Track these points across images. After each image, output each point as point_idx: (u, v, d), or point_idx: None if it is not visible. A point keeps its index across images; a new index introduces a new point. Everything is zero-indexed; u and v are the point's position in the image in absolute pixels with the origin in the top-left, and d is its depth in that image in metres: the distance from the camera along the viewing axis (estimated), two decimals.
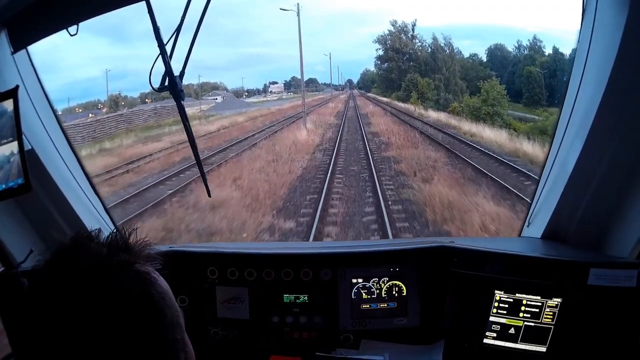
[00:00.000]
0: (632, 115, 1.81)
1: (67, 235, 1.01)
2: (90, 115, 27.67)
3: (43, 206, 2.11)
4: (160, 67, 1.84)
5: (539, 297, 2.02)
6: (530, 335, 2.06)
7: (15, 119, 1.58)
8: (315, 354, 2.12)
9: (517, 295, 2.05)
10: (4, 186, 1.60)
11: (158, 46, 1.79)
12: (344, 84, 48.09)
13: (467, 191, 11.09)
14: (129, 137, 23.60)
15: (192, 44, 1.87)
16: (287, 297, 2.23)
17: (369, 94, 41.19)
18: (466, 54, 33.33)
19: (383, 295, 2.22)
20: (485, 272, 2.08)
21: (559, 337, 2.02)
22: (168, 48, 1.82)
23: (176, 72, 1.87)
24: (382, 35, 34.69)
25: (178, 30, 1.80)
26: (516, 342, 2.07)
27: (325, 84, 47.41)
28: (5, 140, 1.60)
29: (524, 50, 30.39)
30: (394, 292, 2.21)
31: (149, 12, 1.77)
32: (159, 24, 1.79)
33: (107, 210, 2.49)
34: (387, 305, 2.22)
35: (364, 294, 2.22)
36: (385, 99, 35.21)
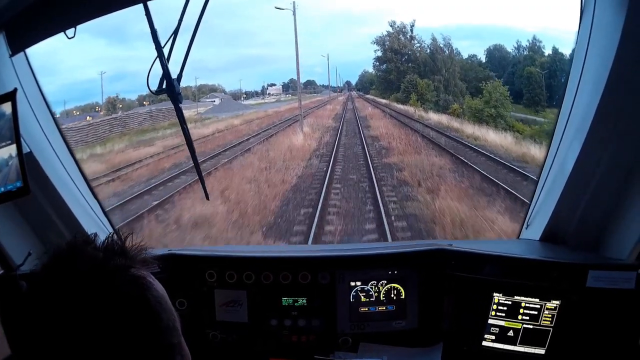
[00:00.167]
0: (630, 117, 1.81)
1: (66, 238, 1.01)
2: (88, 117, 27.49)
3: (41, 209, 2.11)
4: (158, 69, 1.85)
5: (537, 300, 2.02)
6: (529, 337, 2.06)
7: (14, 122, 1.58)
8: (314, 357, 2.12)
9: (515, 297, 2.05)
10: (2, 189, 1.59)
11: (155, 49, 1.80)
12: (342, 85, 48.07)
13: (479, 204, 10.24)
14: (122, 141, 23.04)
15: (189, 46, 1.87)
16: (286, 300, 2.23)
17: (368, 96, 41.10)
18: (465, 55, 33.31)
19: (381, 298, 2.21)
20: (483, 274, 2.09)
21: (558, 339, 2.02)
22: (166, 50, 1.82)
23: (174, 75, 1.87)
24: (380, 36, 34.63)
25: (176, 32, 1.80)
26: (515, 345, 2.08)
27: (323, 85, 47.44)
28: (3, 143, 1.59)
29: (523, 51, 30.37)
30: (392, 295, 2.21)
31: (146, 15, 1.77)
32: (157, 24, 1.79)
33: (105, 213, 2.49)
34: (386, 308, 2.22)
35: (362, 297, 2.22)
36: (384, 101, 35.05)
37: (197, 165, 2.22)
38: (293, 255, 2.42)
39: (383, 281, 2.21)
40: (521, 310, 2.05)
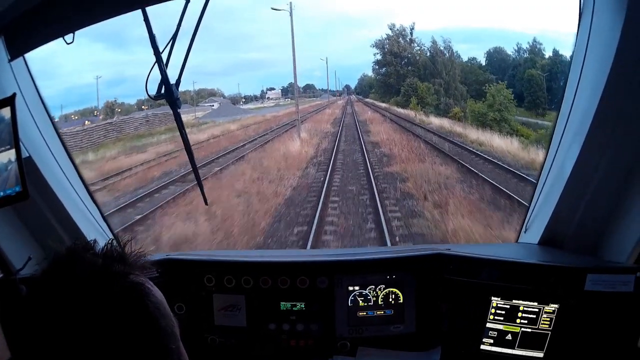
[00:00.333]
0: (629, 120, 1.81)
1: (65, 242, 1.02)
2: (86, 122, 27.37)
3: (41, 214, 2.11)
4: (157, 74, 1.86)
5: (535, 303, 2.02)
6: (528, 341, 2.06)
7: (13, 127, 1.59)
8: None
9: (513, 301, 2.05)
10: (1, 194, 1.60)
11: (154, 54, 1.81)
12: (341, 89, 48.10)
13: (493, 221, 9.18)
14: (116, 147, 22.57)
15: (188, 51, 1.88)
16: (284, 305, 2.23)
17: (367, 100, 41.11)
18: (465, 58, 33.34)
19: (379, 303, 2.22)
20: (481, 279, 2.09)
21: (556, 343, 2.01)
22: (164, 55, 1.83)
23: (172, 80, 1.88)
24: (380, 40, 34.70)
25: (174, 38, 1.81)
26: (513, 348, 2.07)
27: (322, 89, 47.47)
28: (2, 148, 1.60)
29: (523, 53, 30.40)
30: (390, 300, 2.21)
31: (144, 21, 1.78)
32: (156, 29, 1.80)
33: (104, 218, 2.49)
34: (384, 312, 2.22)
35: (360, 302, 2.22)
36: (383, 105, 34.97)
37: (195, 170, 2.22)
38: (291, 260, 2.42)
39: (381, 285, 2.21)
40: (519, 314, 2.05)
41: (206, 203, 2.33)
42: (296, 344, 2.23)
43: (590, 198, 2.00)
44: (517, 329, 2.06)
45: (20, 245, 2.04)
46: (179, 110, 1.96)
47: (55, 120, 2.36)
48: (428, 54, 33.30)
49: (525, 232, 2.39)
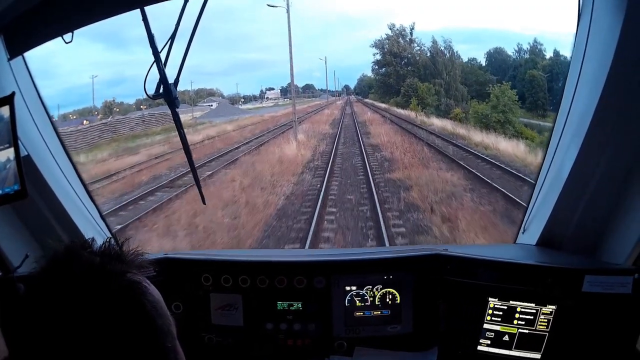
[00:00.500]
0: (628, 120, 1.81)
1: (63, 241, 1.03)
2: (85, 121, 27.20)
3: (39, 212, 2.12)
4: (155, 74, 1.86)
5: (533, 304, 2.02)
6: (525, 342, 2.06)
7: (12, 126, 1.59)
8: None
9: (511, 302, 2.05)
10: (0, 192, 1.60)
11: (153, 54, 1.81)
12: (340, 89, 48.05)
13: (509, 239, 6.15)
14: (109, 148, 21.90)
15: (186, 51, 1.88)
16: (281, 305, 2.24)
17: (367, 100, 40.95)
18: (464, 59, 33.26)
19: (377, 303, 2.22)
20: (478, 279, 2.09)
21: (554, 344, 2.02)
22: (163, 55, 1.83)
23: (171, 79, 1.88)
24: (379, 40, 34.56)
25: (172, 37, 1.82)
26: (510, 349, 2.07)
27: (322, 89, 47.37)
28: (1, 147, 1.60)
29: (524, 54, 30.34)
30: (387, 300, 2.22)
31: (143, 20, 1.78)
32: (155, 29, 1.80)
33: (102, 217, 2.49)
34: (381, 312, 2.22)
35: (357, 302, 2.22)
36: (383, 105, 34.78)
37: (193, 169, 2.22)
38: (288, 259, 2.43)
39: (378, 286, 2.21)
40: (517, 315, 2.05)
41: (204, 202, 2.34)
42: (293, 343, 2.24)
43: (588, 199, 2.01)
44: (515, 330, 2.06)
45: (19, 244, 2.04)
46: (177, 109, 1.96)
47: (54, 119, 2.35)
48: (428, 54, 33.19)
49: (523, 233, 2.39)
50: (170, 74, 1.88)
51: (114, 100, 32.62)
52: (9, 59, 1.95)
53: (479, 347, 2.12)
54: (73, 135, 21.67)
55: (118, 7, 1.80)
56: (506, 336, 2.07)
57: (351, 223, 9.75)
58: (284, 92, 45.25)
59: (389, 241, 8.37)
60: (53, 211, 2.15)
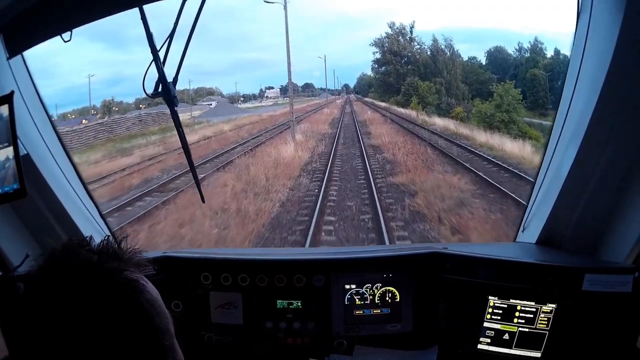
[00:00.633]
0: (627, 119, 1.81)
1: (63, 240, 1.02)
2: (83, 121, 27.07)
3: (39, 211, 2.12)
4: (154, 73, 1.86)
5: (533, 303, 2.02)
6: (525, 340, 2.05)
7: (11, 124, 1.59)
8: (309, 359, 2.12)
9: (511, 301, 2.04)
10: None
11: (151, 52, 1.81)
12: (340, 88, 48.09)
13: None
14: (103, 149, 21.49)
15: (185, 49, 1.88)
16: (281, 303, 2.23)
17: (366, 99, 40.94)
18: (465, 57, 33.25)
19: (376, 301, 2.22)
20: (478, 278, 2.08)
21: (554, 342, 2.01)
22: (162, 54, 1.83)
23: (170, 78, 1.88)
24: (379, 38, 34.51)
25: (171, 36, 1.81)
26: (510, 348, 2.07)
27: (321, 88, 47.48)
28: (0, 146, 1.60)
29: (524, 53, 30.32)
30: (387, 298, 2.21)
31: (142, 19, 1.78)
32: (154, 29, 1.80)
33: (102, 216, 2.50)
34: (381, 311, 2.22)
35: (357, 300, 2.22)
36: (383, 104, 34.67)
37: (192, 168, 2.22)
38: (288, 258, 2.42)
39: (378, 284, 2.21)
40: (517, 314, 2.05)
41: (203, 201, 2.34)
42: (293, 342, 2.23)
43: (588, 197, 2.00)
44: (515, 329, 2.06)
45: (18, 243, 2.04)
46: (176, 108, 1.96)
47: (54, 118, 2.35)
48: (428, 52, 33.17)
49: (522, 231, 2.38)
50: (169, 73, 1.88)
51: (112, 99, 32.69)
52: (8, 58, 1.96)
53: (479, 346, 2.11)
54: (68, 136, 21.23)
55: (117, 5, 1.80)
56: (506, 335, 2.07)
57: (352, 234, 9.14)
58: (284, 91, 45.24)
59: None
60: (52, 210, 2.16)
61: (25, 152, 1.94)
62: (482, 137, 18.84)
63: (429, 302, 2.18)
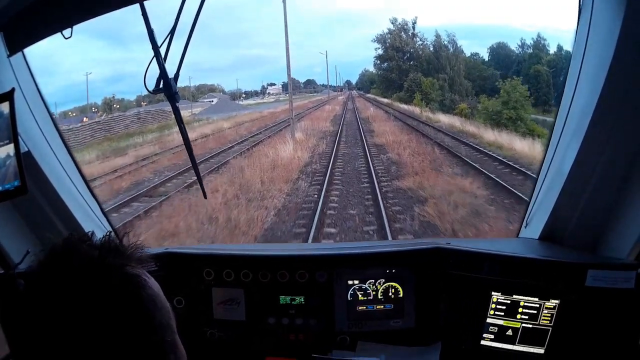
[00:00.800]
0: (628, 116, 1.80)
1: (63, 237, 1.02)
2: (85, 118, 27.01)
3: (40, 208, 2.12)
4: (155, 69, 1.86)
5: (536, 299, 2.01)
6: (528, 336, 2.05)
7: (11, 122, 1.58)
8: (312, 355, 2.11)
9: (514, 296, 2.04)
10: (0, 188, 1.60)
11: (152, 48, 1.81)
12: (342, 84, 48.10)
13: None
14: (98, 149, 20.90)
15: (186, 45, 1.88)
16: (283, 299, 2.23)
17: (369, 95, 41.01)
18: (467, 54, 33.17)
19: (379, 297, 2.21)
20: (482, 273, 2.08)
21: (557, 338, 2.01)
22: (163, 50, 1.83)
23: (171, 74, 1.87)
24: (381, 34, 34.52)
25: (172, 32, 1.81)
26: (514, 344, 2.07)
27: (323, 85, 47.64)
28: (1, 143, 1.60)
29: (527, 49, 30.22)
30: (390, 294, 2.21)
31: (142, 15, 1.78)
32: (155, 27, 1.80)
33: (104, 213, 2.50)
34: (384, 306, 2.21)
35: (360, 296, 2.21)
36: (385, 100, 34.69)
37: (194, 164, 2.21)
38: (290, 253, 2.41)
39: (381, 280, 2.20)
40: (520, 310, 2.04)
41: (205, 197, 2.33)
42: (295, 338, 2.23)
43: (590, 193, 2.00)
44: (518, 325, 2.05)
45: (19, 240, 2.04)
46: (177, 104, 1.96)
47: (55, 116, 2.35)
48: (431, 48, 33.13)
49: (525, 227, 2.38)
50: (171, 70, 1.88)
51: (113, 97, 32.67)
52: (9, 56, 1.95)
53: (482, 342, 2.11)
54: (64, 135, 20.90)
55: (118, 1, 1.80)
56: (509, 331, 2.07)
57: None
58: (286, 87, 45.33)
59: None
60: (53, 207, 2.16)
61: (26, 149, 1.94)
62: (490, 135, 18.43)
63: (432, 298, 2.18)
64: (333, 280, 2.21)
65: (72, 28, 1.87)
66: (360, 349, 2.18)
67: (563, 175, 2.04)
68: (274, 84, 47.26)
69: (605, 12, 1.79)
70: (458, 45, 32.70)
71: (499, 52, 32.15)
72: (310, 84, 48.43)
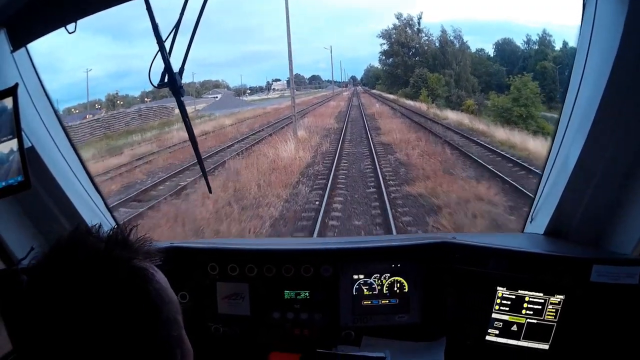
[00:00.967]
0: (633, 111, 1.79)
1: (69, 230, 1.01)
2: (88, 115, 26.97)
3: (44, 204, 2.12)
4: (160, 64, 1.85)
5: (541, 294, 2.00)
6: (533, 332, 2.04)
7: (15, 117, 1.58)
8: (316, 350, 2.11)
9: (519, 291, 2.03)
10: (3, 184, 1.60)
11: (157, 43, 1.80)
12: (347, 80, 48.01)
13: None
14: (95, 147, 20.67)
15: (191, 40, 1.87)
16: (288, 294, 2.23)
17: (374, 91, 40.89)
18: (472, 49, 33.01)
19: (384, 292, 2.21)
20: (487, 268, 2.07)
21: (562, 334, 2.00)
22: (168, 44, 1.82)
23: (176, 69, 1.87)
24: (386, 30, 34.41)
25: (177, 26, 1.80)
26: (519, 339, 2.06)
27: (328, 80, 47.58)
28: (5, 138, 1.59)
29: (533, 45, 30.04)
30: (395, 289, 2.20)
31: (147, 9, 1.77)
32: (159, 22, 1.79)
33: (108, 208, 2.50)
34: (389, 301, 2.21)
35: (365, 290, 2.21)
36: (391, 96, 34.53)
37: (199, 159, 2.21)
38: (295, 248, 2.42)
39: (386, 274, 2.20)
40: (525, 305, 2.03)
41: (210, 191, 2.33)
42: (300, 333, 2.23)
43: (595, 188, 1.99)
44: (523, 320, 2.05)
45: (23, 236, 2.04)
46: (182, 98, 1.96)
47: (59, 112, 2.35)
48: (437, 43, 32.97)
49: (530, 222, 2.37)
50: (175, 64, 1.87)
51: (117, 93, 32.65)
52: (12, 51, 1.95)
53: (487, 337, 2.10)
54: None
55: None
56: (514, 326, 2.06)
57: None
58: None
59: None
60: (57, 202, 2.15)
61: (30, 145, 1.94)
62: (501, 133, 17.87)
63: (437, 293, 2.17)
64: (338, 275, 2.20)
65: (76, 23, 1.87)
66: (365, 344, 2.18)
67: (568, 170, 2.03)
68: (279, 80, 47.34)
69: (609, 8, 1.78)
70: (464, 41, 32.59)
71: (505, 48, 32.00)
72: (315, 80, 48.50)
